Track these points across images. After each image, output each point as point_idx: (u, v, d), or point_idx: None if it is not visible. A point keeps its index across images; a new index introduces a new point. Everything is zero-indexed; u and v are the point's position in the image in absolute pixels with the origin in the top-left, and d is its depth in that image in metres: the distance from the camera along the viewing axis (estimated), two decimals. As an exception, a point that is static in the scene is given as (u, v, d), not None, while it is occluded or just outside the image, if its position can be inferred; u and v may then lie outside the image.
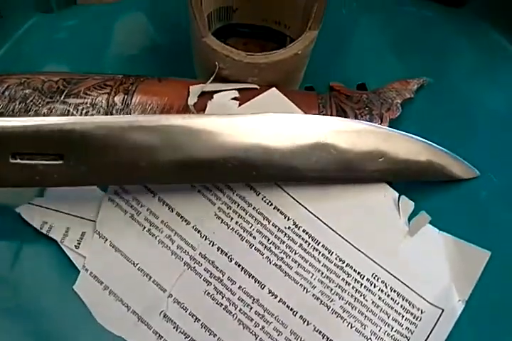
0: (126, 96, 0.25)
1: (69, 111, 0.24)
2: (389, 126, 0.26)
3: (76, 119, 0.21)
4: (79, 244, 0.24)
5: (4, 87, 0.24)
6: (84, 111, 0.24)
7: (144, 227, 0.24)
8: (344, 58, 0.32)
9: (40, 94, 0.24)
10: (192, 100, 0.25)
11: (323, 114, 0.26)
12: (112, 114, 0.24)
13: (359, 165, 0.24)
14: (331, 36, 0.28)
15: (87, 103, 0.24)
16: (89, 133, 0.21)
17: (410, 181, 0.26)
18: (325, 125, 0.23)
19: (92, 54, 0.30)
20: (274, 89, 0.26)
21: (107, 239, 0.24)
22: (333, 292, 0.23)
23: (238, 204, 0.24)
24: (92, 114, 0.24)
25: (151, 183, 0.24)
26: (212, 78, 0.25)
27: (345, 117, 0.26)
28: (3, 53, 0.30)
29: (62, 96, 0.24)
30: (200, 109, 0.25)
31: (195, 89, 0.25)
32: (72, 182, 0.22)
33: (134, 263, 0.23)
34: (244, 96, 0.25)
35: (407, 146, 0.24)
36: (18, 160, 0.21)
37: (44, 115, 0.24)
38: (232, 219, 0.24)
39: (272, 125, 0.23)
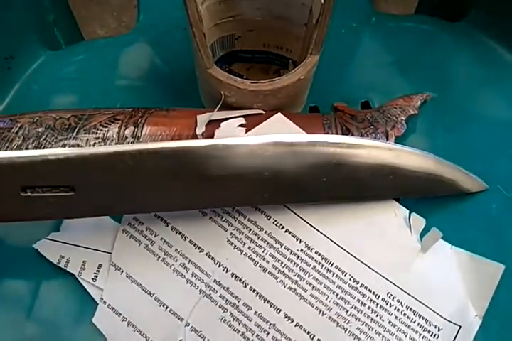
0: (136, 129, 0.25)
1: (82, 147, 0.25)
2: (395, 143, 0.26)
3: (83, 149, 0.21)
4: (96, 276, 0.24)
5: (18, 126, 0.25)
6: (96, 146, 0.25)
7: (159, 257, 0.24)
8: (347, 77, 0.33)
9: (52, 131, 0.25)
10: (200, 129, 0.25)
11: (329, 135, 0.26)
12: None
13: (370, 183, 0.24)
14: (332, 56, 0.29)
15: (98, 138, 0.25)
16: (99, 163, 0.21)
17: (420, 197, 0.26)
18: (334, 143, 0.23)
19: (100, 87, 0.31)
20: (279, 114, 0.26)
21: (123, 271, 0.24)
22: (349, 313, 0.23)
23: (250, 229, 0.24)
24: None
25: (164, 211, 0.24)
26: (218, 107, 0.26)
27: (351, 136, 0.26)
28: (14, 92, 0.31)
29: (75, 133, 0.25)
30: (208, 137, 0.25)
31: (202, 118, 0.26)
32: (84, 214, 0.22)
33: (150, 294, 0.24)
34: (251, 122, 0.26)
35: (417, 162, 0.24)
36: (29, 194, 0.21)
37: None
38: (244, 244, 0.24)
39: (280, 145, 0.23)
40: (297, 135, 0.24)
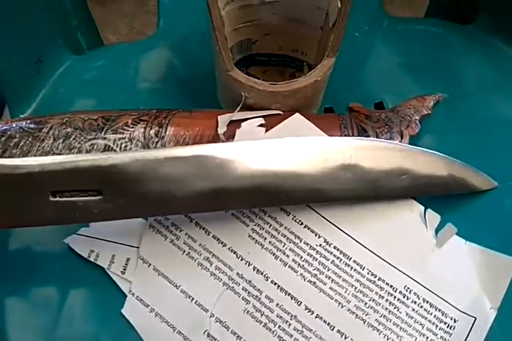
0: (160, 129, 0.26)
1: (109, 146, 0.26)
2: (409, 143, 0.27)
3: (111, 154, 0.22)
4: (124, 269, 0.25)
5: (48, 127, 0.26)
6: (123, 146, 0.26)
7: (184, 251, 0.25)
8: (360, 78, 0.34)
9: (81, 132, 0.26)
10: (221, 129, 0.26)
11: (345, 135, 0.27)
12: (148, 147, 0.26)
13: (384, 184, 0.25)
14: (346, 58, 0.30)
15: (125, 138, 0.26)
16: (125, 167, 0.22)
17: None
18: (349, 146, 0.24)
19: (123, 90, 0.32)
20: (297, 114, 0.27)
21: (150, 264, 0.25)
22: (367, 306, 0.24)
23: (270, 225, 0.25)
24: (131, 148, 0.26)
25: (187, 213, 0.25)
26: (239, 107, 0.27)
27: (366, 136, 0.27)
28: (43, 95, 0.32)
29: (103, 133, 0.26)
30: (230, 137, 0.26)
31: (223, 119, 0.27)
32: (111, 217, 0.23)
33: (176, 286, 0.25)
34: (270, 122, 0.27)
35: (428, 162, 0.25)
36: (58, 198, 0.22)
37: (87, 151, 0.25)
38: (265, 239, 0.25)
39: (297, 149, 0.24)
40: (313, 138, 0.25)
